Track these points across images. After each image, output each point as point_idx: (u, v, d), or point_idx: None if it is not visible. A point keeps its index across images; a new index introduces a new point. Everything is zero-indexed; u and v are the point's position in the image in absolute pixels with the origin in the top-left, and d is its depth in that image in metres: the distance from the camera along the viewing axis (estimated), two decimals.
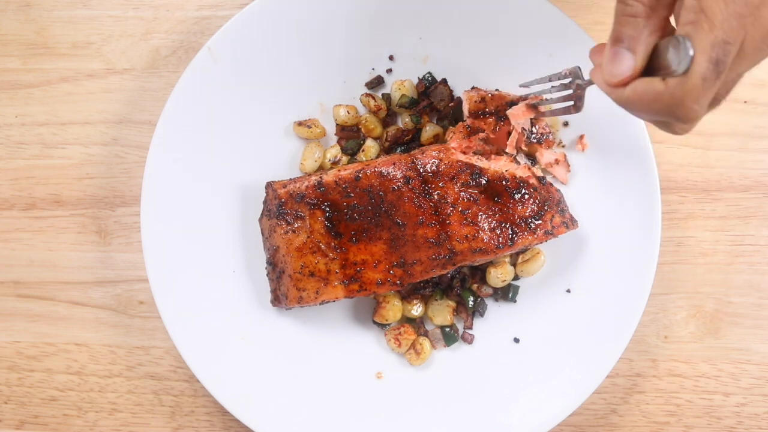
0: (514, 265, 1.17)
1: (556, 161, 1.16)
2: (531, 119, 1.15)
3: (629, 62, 0.78)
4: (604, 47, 0.83)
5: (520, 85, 1.11)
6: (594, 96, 1.14)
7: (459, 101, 1.18)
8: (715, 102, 0.79)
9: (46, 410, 1.23)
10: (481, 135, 1.12)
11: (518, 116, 1.12)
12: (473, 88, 1.15)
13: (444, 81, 1.18)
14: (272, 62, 1.17)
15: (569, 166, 1.16)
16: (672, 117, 0.76)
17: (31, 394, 1.23)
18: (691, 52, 0.72)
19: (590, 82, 1.00)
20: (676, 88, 0.74)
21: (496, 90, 1.15)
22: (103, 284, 1.23)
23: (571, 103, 1.04)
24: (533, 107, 1.11)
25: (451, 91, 1.17)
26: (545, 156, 1.16)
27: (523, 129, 1.15)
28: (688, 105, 0.74)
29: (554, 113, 1.08)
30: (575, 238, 1.15)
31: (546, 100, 1.10)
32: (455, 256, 1.07)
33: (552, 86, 1.07)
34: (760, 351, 1.19)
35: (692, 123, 0.78)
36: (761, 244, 1.21)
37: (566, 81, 1.04)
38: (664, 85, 0.75)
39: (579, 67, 1.02)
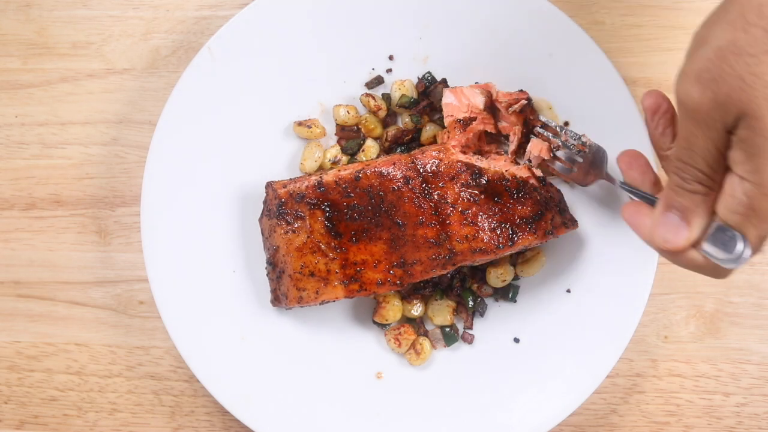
0: (514, 265, 1.17)
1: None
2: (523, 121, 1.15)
3: (685, 234, 0.80)
4: (633, 158, 0.93)
5: (537, 130, 1.13)
6: (594, 96, 1.14)
7: None
8: None
9: (46, 410, 1.23)
10: (476, 125, 1.12)
11: (534, 149, 1.13)
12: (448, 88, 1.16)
13: (444, 81, 1.18)
14: (272, 62, 1.17)
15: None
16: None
17: (31, 394, 1.23)
18: (740, 246, 0.76)
19: (605, 177, 1.08)
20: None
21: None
22: (103, 284, 1.23)
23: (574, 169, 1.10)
24: (549, 150, 1.13)
25: None
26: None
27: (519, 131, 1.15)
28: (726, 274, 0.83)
29: (560, 171, 1.12)
30: (575, 238, 1.15)
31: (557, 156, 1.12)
32: (455, 256, 1.07)
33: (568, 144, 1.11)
34: (760, 351, 1.19)
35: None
36: None
37: (577, 154, 1.10)
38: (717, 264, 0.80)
39: (605, 152, 1.09)
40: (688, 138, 0.77)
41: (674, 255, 0.82)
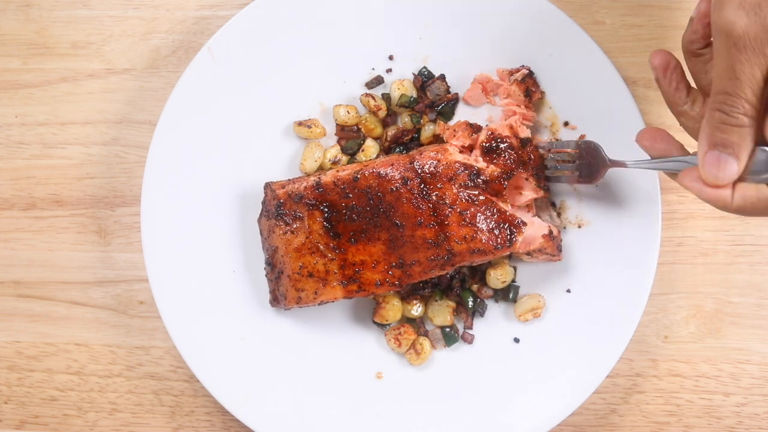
0: (513, 267, 1.17)
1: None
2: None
3: (734, 168, 0.81)
4: (654, 132, 0.92)
5: (539, 146, 1.13)
6: (594, 96, 1.14)
7: (455, 96, 1.18)
8: None
9: (46, 410, 1.23)
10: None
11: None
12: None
13: (442, 76, 1.18)
14: (272, 62, 1.17)
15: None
16: None
17: (31, 394, 1.23)
18: None
19: (610, 164, 1.06)
20: None
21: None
22: (103, 284, 1.23)
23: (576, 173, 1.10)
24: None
25: (448, 87, 1.17)
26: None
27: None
28: None
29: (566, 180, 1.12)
30: (575, 238, 1.15)
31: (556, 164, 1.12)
32: (454, 256, 1.07)
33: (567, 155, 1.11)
34: (760, 351, 1.19)
35: None
36: (761, 244, 1.21)
37: (570, 161, 1.09)
38: None
39: (597, 144, 1.07)
40: (733, 67, 0.77)
41: (728, 197, 0.82)
